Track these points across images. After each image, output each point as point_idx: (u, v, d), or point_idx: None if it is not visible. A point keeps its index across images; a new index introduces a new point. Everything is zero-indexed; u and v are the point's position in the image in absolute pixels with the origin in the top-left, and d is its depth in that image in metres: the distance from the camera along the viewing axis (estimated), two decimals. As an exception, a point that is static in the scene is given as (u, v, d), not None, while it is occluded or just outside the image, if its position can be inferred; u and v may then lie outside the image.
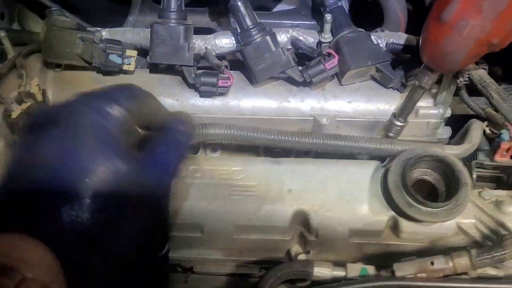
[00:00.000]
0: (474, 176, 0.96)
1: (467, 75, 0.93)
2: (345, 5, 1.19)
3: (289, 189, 0.85)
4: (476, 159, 0.95)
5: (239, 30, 1.04)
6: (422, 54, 0.86)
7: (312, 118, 1.05)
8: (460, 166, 0.82)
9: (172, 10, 1.00)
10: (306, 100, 1.06)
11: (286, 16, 1.23)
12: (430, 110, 1.03)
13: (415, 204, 0.79)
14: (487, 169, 0.97)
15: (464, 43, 0.78)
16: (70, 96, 0.51)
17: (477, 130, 0.92)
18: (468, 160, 0.95)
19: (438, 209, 0.79)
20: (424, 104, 1.04)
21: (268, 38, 1.01)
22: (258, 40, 1.01)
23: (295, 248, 0.90)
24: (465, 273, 0.75)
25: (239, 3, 1.01)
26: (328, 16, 1.04)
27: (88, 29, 1.09)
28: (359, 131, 1.04)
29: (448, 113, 1.03)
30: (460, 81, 0.94)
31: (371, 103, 1.05)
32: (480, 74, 0.91)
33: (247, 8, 1.02)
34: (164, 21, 1.00)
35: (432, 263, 0.75)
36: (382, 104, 1.05)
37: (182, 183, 0.85)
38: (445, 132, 1.06)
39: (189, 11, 1.18)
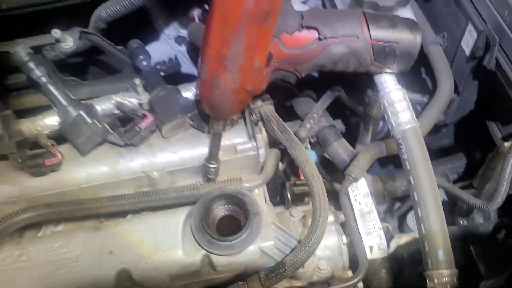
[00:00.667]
0: (289, 196, 1.09)
1: (258, 112, 1.05)
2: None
3: (110, 251, 0.93)
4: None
5: (55, 109, 1.12)
6: (203, 107, 0.97)
7: (144, 174, 1.14)
8: (249, 198, 0.92)
9: (-14, 104, 1.07)
10: (135, 159, 1.14)
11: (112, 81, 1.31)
12: (246, 144, 1.14)
13: (215, 241, 0.89)
14: (300, 186, 1.09)
15: (225, 95, 0.90)
16: None
17: (271, 159, 1.03)
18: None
19: (234, 241, 0.89)
20: (240, 140, 1.14)
21: (82, 112, 1.09)
22: (74, 115, 1.09)
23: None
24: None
25: (49, 85, 1.09)
26: (137, 81, 1.14)
27: None
28: (193, 177, 1.13)
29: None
30: (253, 118, 1.06)
31: (194, 149, 1.14)
32: (266, 110, 1.04)
33: (58, 89, 1.10)
34: (-21, 117, 1.06)
35: (230, 290, 0.85)
36: (205, 148, 1.15)
37: (9, 269, 0.91)
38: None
39: (24, 94, 1.27)
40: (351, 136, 1.25)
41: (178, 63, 1.59)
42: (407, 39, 0.87)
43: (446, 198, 1.25)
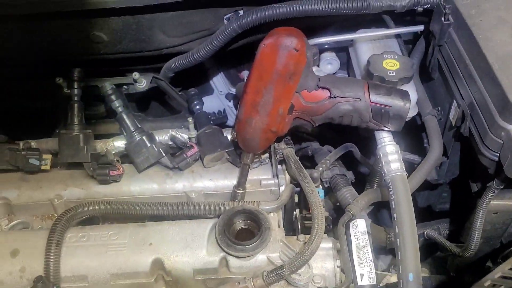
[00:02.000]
0: (299, 226, 1.32)
1: (281, 153, 1.31)
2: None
3: (150, 243, 1.19)
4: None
5: (125, 134, 1.43)
6: (238, 141, 1.24)
7: (184, 194, 1.41)
8: (263, 215, 1.16)
9: (75, 123, 1.38)
10: (179, 181, 1.41)
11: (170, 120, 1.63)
12: (269, 181, 1.40)
13: (232, 244, 1.13)
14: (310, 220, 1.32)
15: (254, 132, 1.17)
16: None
17: (286, 191, 1.28)
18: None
19: (246, 246, 1.12)
20: (265, 176, 1.40)
21: (144, 137, 1.39)
22: (137, 139, 1.39)
23: (161, 289, 1.20)
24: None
25: (123, 114, 1.41)
26: (189, 119, 1.44)
27: (16, 142, 1.47)
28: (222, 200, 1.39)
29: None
30: (277, 158, 1.32)
31: (227, 179, 1.40)
32: (287, 152, 1.30)
33: (129, 117, 1.41)
34: (68, 132, 1.37)
35: (238, 283, 1.07)
36: (235, 179, 1.40)
37: (72, 246, 1.18)
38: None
39: (101, 122, 1.59)
40: (360, 186, 1.47)
41: (226, 115, 1.90)
42: (398, 104, 1.12)
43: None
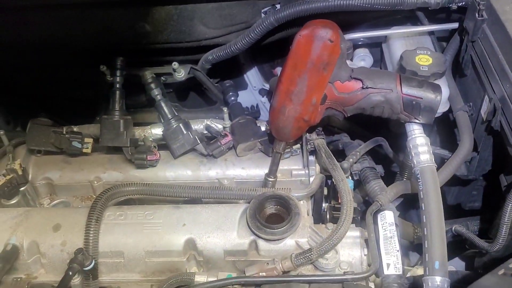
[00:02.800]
0: (327, 215, 1.35)
1: (312, 143, 1.35)
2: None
3: (183, 223, 1.24)
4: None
5: (162, 121, 1.49)
6: (271, 129, 1.29)
7: (217, 180, 1.46)
8: (294, 201, 1.20)
9: (116, 109, 1.45)
10: (213, 168, 1.47)
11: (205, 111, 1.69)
12: (300, 171, 1.43)
13: (262, 227, 1.17)
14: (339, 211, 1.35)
15: (288, 121, 1.21)
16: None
17: (316, 180, 1.32)
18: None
19: (276, 230, 1.16)
20: (296, 167, 1.44)
21: (181, 125, 1.45)
22: (174, 126, 1.45)
23: (193, 269, 1.25)
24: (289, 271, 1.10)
25: (161, 102, 1.47)
26: (224, 109, 1.49)
27: (61, 126, 1.55)
28: (253, 188, 1.44)
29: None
30: (308, 148, 1.36)
31: (258, 168, 1.45)
32: (318, 142, 1.33)
33: (167, 105, 1.48)
34: (109, 117, 1.45)
35: (267, 263, 1.11)
36: (267, 169, 1.45)
37: (111, 223, 1.25)
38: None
39: (140, 111, 1.67)
40: (389, 181, 1.49)
41: (258, 110, 1.95)
42: (430, 97, 1.14)
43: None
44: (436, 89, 1.16)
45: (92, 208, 1.22)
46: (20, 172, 1.40)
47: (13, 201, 1.39)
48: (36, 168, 1.50)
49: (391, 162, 1.51)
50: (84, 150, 1.49)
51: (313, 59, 1.15)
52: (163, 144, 1.51)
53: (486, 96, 1.21)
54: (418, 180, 1.15)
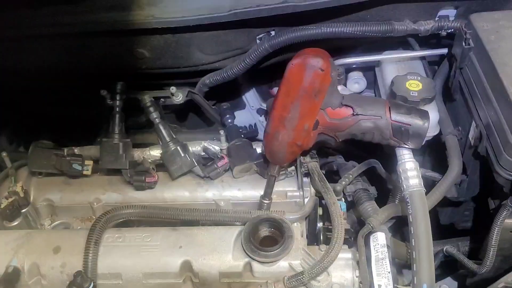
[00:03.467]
0: (321, 236, 1.38)
1: (306, 166, 1.39)
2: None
3: (180, 246, 1.27)
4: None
5: (160, 143, 1.53)
6: (265, 153, 1.32)
7: (214, 202, 1.49)
8: (287, 224, 1.24)
9: (115, 132, 1.49)
10: (210, 190, 1.50)
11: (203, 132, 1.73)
12: (295, 192, 1.47)
13: (256, 250, 1.20)
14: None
15: (281, 145, 1.25)
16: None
17: (310, 202, 1.35)
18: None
19: (269, 252, 1.19)
20: (291, 188, 1.48)
21: (178, 147, 1.49)
22: (172, 149, 1.49)
23: (189, 290, 1.29)
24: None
25: (160, 125, 1.51)
26: (221, 132, 1.53)
27: (62, 148, 1.59)
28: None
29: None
30: (302, 171, 1.39)
31: (254, 190, 1.48)
32: (312, 165, 1.37)
33: (165, 128, 1.52)
34: (109, 140, 1.49)
35: (260, 286, 1.15)
36: (262, 190, 1.48)
37: (109, 245, 1.28)
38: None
39: (139, 132, 1.70)
40: (384, 202, 1.52)
41: (256, 130, 1.99)
42: (418, 123, 1.18)
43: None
44: (424, 115, 1.20)
45: (91, 231, 1.25)
46: (22, 194, 1.43)
47: (15, 223, 1.42)
48: (38, 190, 1.54)
49: (385, 183, 1.54)
50: (85, 172, 1.52)
51: (305, 86, 1.19)
52: (162, 164, 1.54)
53: (473, 122, 1.25)
54: (408, 204, 1.18)
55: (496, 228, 1.16)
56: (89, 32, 1.35)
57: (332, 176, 1.58)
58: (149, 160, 1.57)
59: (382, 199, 1.51)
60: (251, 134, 1.97)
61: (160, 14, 1.33)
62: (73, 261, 1.26)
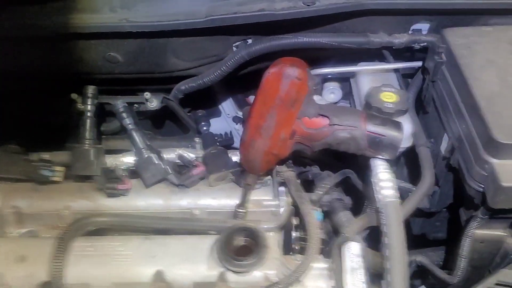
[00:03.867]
0: (297, 247, 1.37)
1: (282, 175, 1.38)
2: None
3: (153, 255, 1.25)
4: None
5: (134, 150, 1.50)
6: (241, 161, 1.31)
7: (189, 210, 1.47)
8: (262, 234, 1.23)
9: (86, 137, 1.46)
10: (184, 198, 1.47)
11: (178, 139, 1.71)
12: (270, 202, 1.46)
13: (230, 260, 1.19)
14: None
15: (257, 154, 1.24)
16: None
17: (286, 211, 1.34)
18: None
19: (243, 262, 1.18)
20: (267, 197, 1.47)
21: (152, 155, 1.47)
22: (146, 156, 1.47)
23: (162, 301, 1.26)
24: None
25: (133, 132, 1.49)
26: (196, 140, 1.51)
27: (31, 153, 1.55)
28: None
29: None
30: (278, 180, 1.39)
31: (230, 199, 1.47)
32: (288, 175, 1.37)
33: (139, 135, 1.49)
34: (80, 145, 1.45)
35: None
36: (238, 199, 1.47)
37: (77, 256, 1.24)
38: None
39: (111, 138, 1.67)
40: (359, 211, 1.53)
41: (232, 138, 1.98)
42: (392, 134, 1.19)
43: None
44: (398, 127, 1.21)
45: (60, 239, 1.22)
46: (-15, 202, 1.38)
47: (-21, 231, 1.37)
48: (4, 196, 1.48)
49: (360, 193, 1.55)
50: (55, 179, 1.48)
51: (281, 96, 1.19)
52: (135, 171, 1.51)
53: (446, 134, 1.27)
54: (382, 215, 1.19)
55: (467, 239, 1.17)
56: (59, 34, 1.32)
57: (307, 185, 1.57)
58: (122, 167, 1.54)
59: (357, 209, 1.52)
60: (226, 142, 1.95)
61: (134, 17, 1.32)
62: (40, 271, 1.22)
